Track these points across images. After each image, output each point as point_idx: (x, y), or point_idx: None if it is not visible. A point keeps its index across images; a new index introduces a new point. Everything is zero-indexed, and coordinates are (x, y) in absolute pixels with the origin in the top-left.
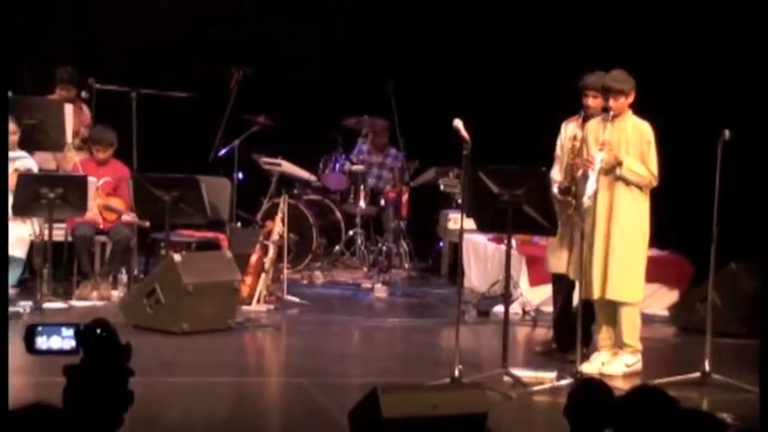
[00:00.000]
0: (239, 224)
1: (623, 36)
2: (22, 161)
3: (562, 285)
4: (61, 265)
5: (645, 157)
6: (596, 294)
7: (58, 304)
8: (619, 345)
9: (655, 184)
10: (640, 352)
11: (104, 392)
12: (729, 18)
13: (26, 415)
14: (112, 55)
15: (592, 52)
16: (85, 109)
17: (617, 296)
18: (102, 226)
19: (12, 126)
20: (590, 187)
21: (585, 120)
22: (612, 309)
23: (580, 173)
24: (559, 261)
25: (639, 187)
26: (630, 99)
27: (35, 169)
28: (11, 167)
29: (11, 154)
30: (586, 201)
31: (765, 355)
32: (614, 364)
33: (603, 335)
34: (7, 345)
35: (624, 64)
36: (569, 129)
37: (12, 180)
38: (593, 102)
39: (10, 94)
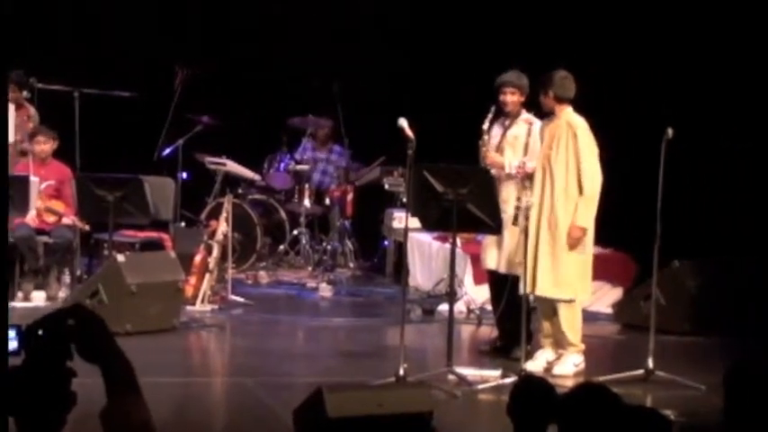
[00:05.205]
0: (183, 224)
1: (567, 36)
2: None
3: (497, 282)
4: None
5: (575, 151)
6: (528, 289)
7: None
8: (563, 345)
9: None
10: (583, 351)
11: (46, 394)
12: (672, 16)
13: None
14: (54, 54)
15: (533, 52)
16: (33, 111)
17: (543, 293)
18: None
19: None
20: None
21: (496, 116)
22: (549, 305)
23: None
24: (491, 257)
25: (579, 187)
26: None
27: None
28: None
29: None
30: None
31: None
32: (563, 365)
33: (544, 331)
34: (7, 344)
35: (568, 63)
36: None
37: None
38: (510, 98)
39: None
